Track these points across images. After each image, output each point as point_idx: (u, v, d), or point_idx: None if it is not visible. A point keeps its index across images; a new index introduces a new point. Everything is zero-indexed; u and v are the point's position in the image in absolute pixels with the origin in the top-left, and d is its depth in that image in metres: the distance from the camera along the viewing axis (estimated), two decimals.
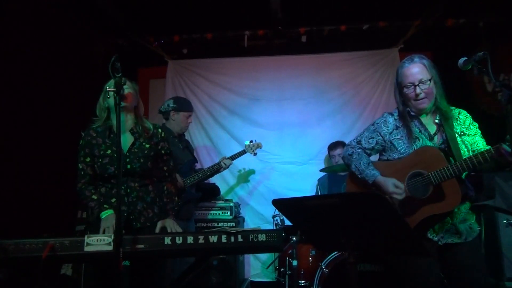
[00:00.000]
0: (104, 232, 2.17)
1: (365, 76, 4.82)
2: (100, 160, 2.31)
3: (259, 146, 3.96)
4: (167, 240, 2.06)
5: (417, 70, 2.11)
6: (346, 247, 1.62)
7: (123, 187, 2.30)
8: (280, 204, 1.75)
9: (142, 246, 2.04)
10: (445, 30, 4.56)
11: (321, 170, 3.99)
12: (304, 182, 4.62)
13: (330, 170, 4.01)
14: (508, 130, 1.59)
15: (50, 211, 3.72)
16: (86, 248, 1.98)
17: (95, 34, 4.78)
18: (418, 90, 2.09)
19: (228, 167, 3.74)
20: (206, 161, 4.78)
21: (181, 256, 2.79)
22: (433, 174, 1.99)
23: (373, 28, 4.61)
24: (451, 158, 2.04)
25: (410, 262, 2.09)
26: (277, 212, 3.81)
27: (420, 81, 2.10)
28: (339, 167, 3.81)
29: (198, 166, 4.03)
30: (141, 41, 4.79)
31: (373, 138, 2.31)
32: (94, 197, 2.31)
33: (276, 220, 3.87)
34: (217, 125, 4.95)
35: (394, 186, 2.09)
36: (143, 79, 5.28)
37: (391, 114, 2.30)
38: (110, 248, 1.97)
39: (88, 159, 2.34)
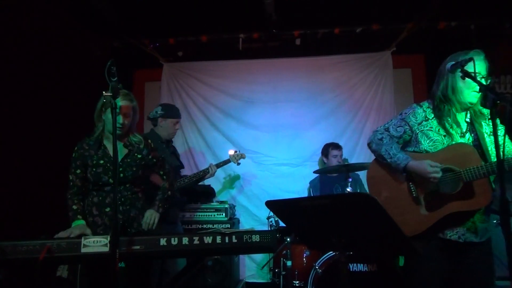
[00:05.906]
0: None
1: (358, 79, 4.86)
2: (94, 169, 2.44)
3: (242, 156, 4.08)
4: (163, 241, 2.11)
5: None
6: (337, 247, 1.65)
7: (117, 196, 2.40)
8: (273, 205, 1.79)
9: (138, 247, 2.08)
10: (437, 33, 4.61)
11: (315, 172, 4.03)
12: (299, 183, 4.65)
13: (324, 171, 4.06)
14: (493, 132, 1.64)
15: (47, 213, 3.73)
16: (83, 250, 2.02)
17: (91, 36, 4.79)
18: (488, 82, 2.01)
19: (213, 174, 3.84)
20: (201, 163, 4.81)
21: (176, 257, 2.83)
22: (465, 171, 1.96)
23: (366, 31, 4.65)
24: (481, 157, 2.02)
25: (416, 265, 2.09)
26: (271, 213, 3.84)
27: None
28: (332, 168, 3.85)
29: (185, 172, 4.08)
30: (136, 43, 4.82)
31: (401, 127, 2.21)
32: (74, 207, 2.41)
33: (271, 221, 3.90)
34: (212, 127, 4.97)
35: (430, 166, 1.99)
36: (138, 82, 5.31)
37: (420, 106, 2.22)
38: (106, 249, 2.01)
39: (78, 171, 2.47)
